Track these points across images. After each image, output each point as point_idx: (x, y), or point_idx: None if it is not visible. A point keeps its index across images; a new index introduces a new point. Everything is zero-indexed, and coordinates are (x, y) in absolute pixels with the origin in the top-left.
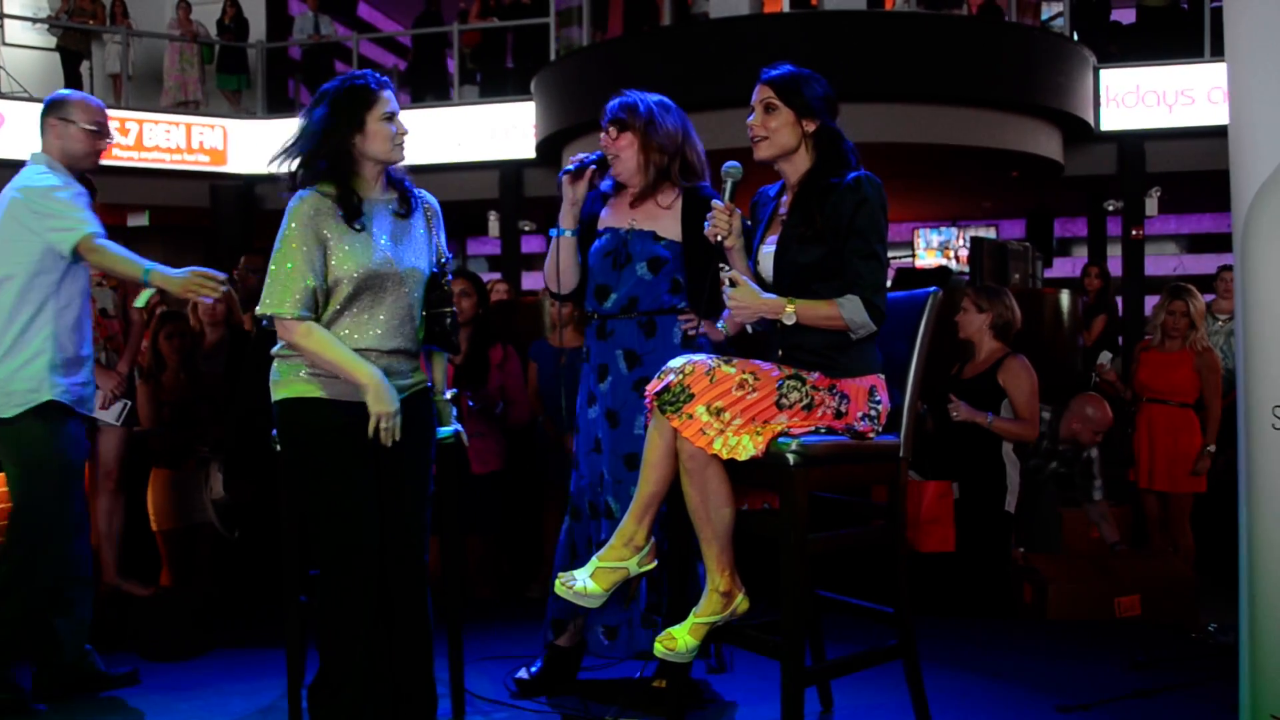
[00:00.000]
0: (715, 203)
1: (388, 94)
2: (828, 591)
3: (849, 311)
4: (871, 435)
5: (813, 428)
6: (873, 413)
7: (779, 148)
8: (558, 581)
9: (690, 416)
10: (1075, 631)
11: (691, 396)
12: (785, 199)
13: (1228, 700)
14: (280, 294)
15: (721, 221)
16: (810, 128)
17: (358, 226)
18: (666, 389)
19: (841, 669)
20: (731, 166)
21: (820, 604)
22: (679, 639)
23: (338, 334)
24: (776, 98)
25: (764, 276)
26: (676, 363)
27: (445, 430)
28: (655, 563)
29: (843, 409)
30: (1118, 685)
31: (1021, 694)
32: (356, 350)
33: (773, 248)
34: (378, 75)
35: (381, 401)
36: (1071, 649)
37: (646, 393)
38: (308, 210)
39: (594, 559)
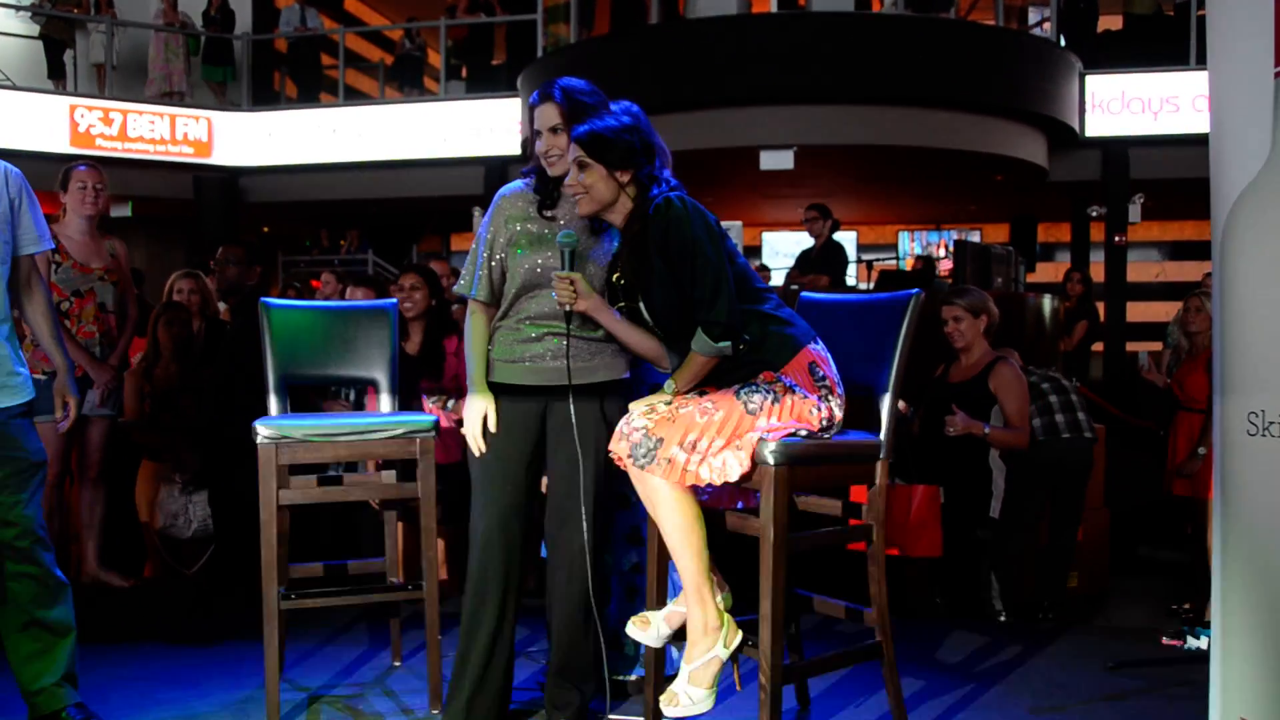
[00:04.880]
0: (556, 273)
1: (539, 110)
2: (807, 590)
3: (702, 349)
4: (839, 413)
5: (792, 430)
6: (823, 391)
7: (597, 203)
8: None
9: (669, 461)
10: (1051, 635)
11: (661, 441)
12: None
13: (1200, 703)
14: (464, 276)
15: (564, 291)
16: (624, 178)
17: (548, 215)
18: (636, 446)
19: (819, 668)
20: (566, 235)
21: (799, 603)
22: (679, 695)
23: (517, 320)
24: (586, 155)
25: (655, 329)
26: (638, 422)
27: (425, 420)
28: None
29: (808, 394)
30: (1092, 688)
31: (996, 695)
32: (529, 336)
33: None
34: (550, 88)
35: (467, 415)
36: (1047, 652)
37: (614, 456)
38: (502, 203)
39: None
